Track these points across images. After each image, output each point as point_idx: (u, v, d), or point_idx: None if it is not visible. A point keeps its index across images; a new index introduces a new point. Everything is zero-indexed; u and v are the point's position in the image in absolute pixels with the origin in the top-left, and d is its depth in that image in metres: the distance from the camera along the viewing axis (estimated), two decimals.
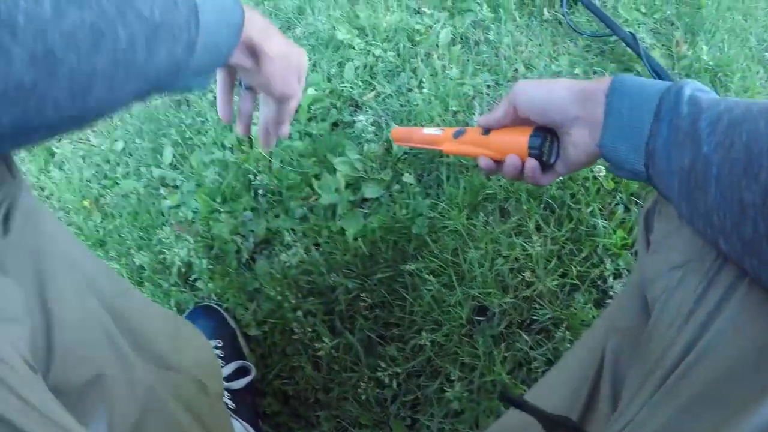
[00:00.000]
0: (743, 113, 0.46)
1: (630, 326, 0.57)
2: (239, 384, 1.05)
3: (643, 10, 1.48)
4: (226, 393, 1.04)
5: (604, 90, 0.61)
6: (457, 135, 0.86)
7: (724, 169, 0.45)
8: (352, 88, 1.35)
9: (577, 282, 1.07)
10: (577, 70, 1.34)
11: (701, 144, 0.48)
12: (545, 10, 1.46)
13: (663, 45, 1.41)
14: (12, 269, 0.52)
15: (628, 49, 1.35)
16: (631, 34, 1.32)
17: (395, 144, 1.19)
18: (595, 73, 1.34)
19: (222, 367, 1.05)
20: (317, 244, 1.16)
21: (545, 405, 0.67)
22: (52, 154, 1.58)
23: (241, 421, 1.02)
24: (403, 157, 1.22)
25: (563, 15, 1.43)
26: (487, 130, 0.81)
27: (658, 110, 0.54)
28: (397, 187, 1.19)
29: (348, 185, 1.21)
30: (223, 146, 1.33)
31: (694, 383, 0.45)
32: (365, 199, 1.21)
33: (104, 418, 0.64)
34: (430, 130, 0.94)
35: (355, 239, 1.13)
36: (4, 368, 0.43)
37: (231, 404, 1.03)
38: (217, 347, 1.08)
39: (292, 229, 1.18)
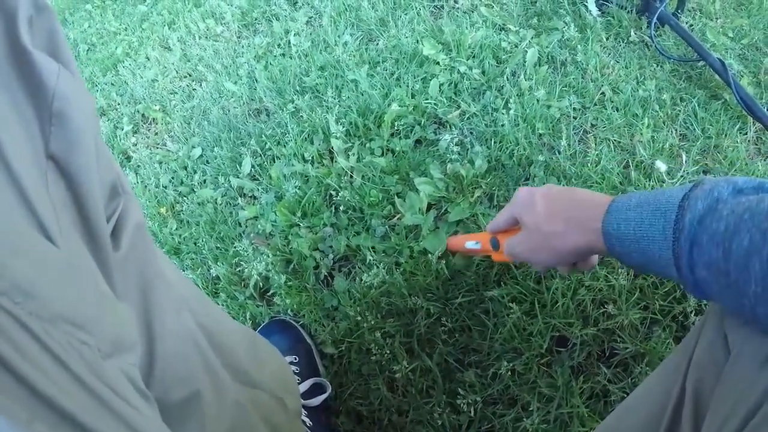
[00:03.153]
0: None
1: (712, 361, 0.55)
2: (316, 401, 1.04)
3: (731, 35, 1.44)
4: (302, 410, 1.02)
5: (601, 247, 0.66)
6: (495, 246, 0.93)
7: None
8: (436, 105, 1.33)
9: (658, 317, 1.03)
10: (664, 96, 1.29)
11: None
12: (632, 32, 1.42)
13: (751, 72, 1.36)
14: (120, 285, 0.51)
15: (716, 76, 1.31)
16: (720, 60, 1.27)
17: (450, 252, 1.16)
18: (681, 100, 1.30)
19: (298, 383, 1.04)
20: (398, 264, 1.14)
21: (624, 429, 0.67)
22: (128, 158, 1.60)
23: None
24: (489, 180, 1.19)
25: (650, 38, 1.38)
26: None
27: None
28: (481, 208, 1.16)
29: (431, 205, 1.18)
30: (304, 159, 1.32)
31: None
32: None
33: None
34: (470, 244, 1.01)
35: (438, 261, 1.11)
36: (121, 403, 0.42)
37: (308, 421, 1.02)
38: (292, 363, 1.07)
39: (373, 248, 1.16)
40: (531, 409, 0.99)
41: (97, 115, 0.48)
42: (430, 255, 1.11)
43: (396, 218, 1.19)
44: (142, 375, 0.54)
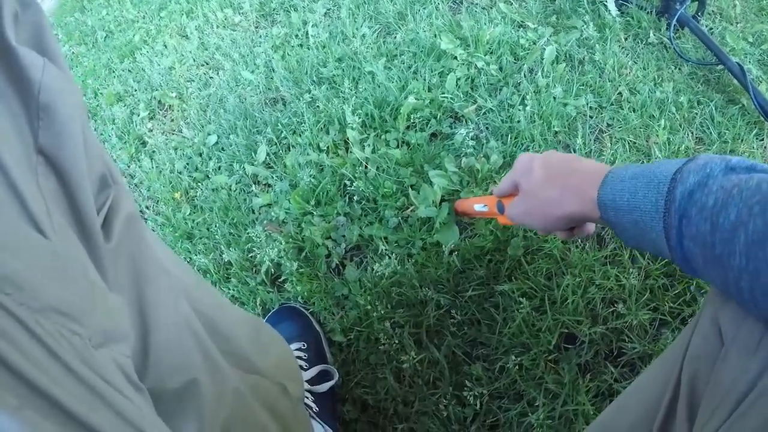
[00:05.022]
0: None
1: (706, 353, 0.56)
2: (323, 388, 1.04)
3: (751, 40, 1.43)
4: (309, 396, 1.03)
5: (596, 216, 0.66)
6: (500, 209, 0.93)
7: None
8: (452, 99, 1.33)
9: (668, 318, 1.03)
10: (682, 98, 1.29)
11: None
12: (651, 33, 1.42)
13: None
14: (113, 276, 0.52)
15: (735, 81, 1.30)
16: (739, 65, 1.27)
17: (457, 215, 1.18)
18: (699, 103, 1.29)
19: (306, 369, 1.05)
20: (410, 255, 1.15)
21: (621, 423, 0.67)
22: (144, 143, 1.61)
23: (322, 424, 1.01)
24: (503, 175, 1.20)
25: (669, 39, 1.38)
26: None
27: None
28: None
29: (444, 198, 1.19)
30: (319, 149, 1.33)
31: (756, 419, 0.45)
32: None
33: (196, 424, 0.64)
34: (479, 207, 1.02)
35: (450, 254, 1.11)
36: (113, 392, 0.43)
37: (315, 407, 1.02)
38: (300, 349, 1.08)
39: (385, 238, 1.16)
40: (537, 404, 0.99)
41: (84, 106, 0.49)
42: (442, 247, 1.12)
43: (409, 210, 1.19)
44: (137, 365, 0.54)
